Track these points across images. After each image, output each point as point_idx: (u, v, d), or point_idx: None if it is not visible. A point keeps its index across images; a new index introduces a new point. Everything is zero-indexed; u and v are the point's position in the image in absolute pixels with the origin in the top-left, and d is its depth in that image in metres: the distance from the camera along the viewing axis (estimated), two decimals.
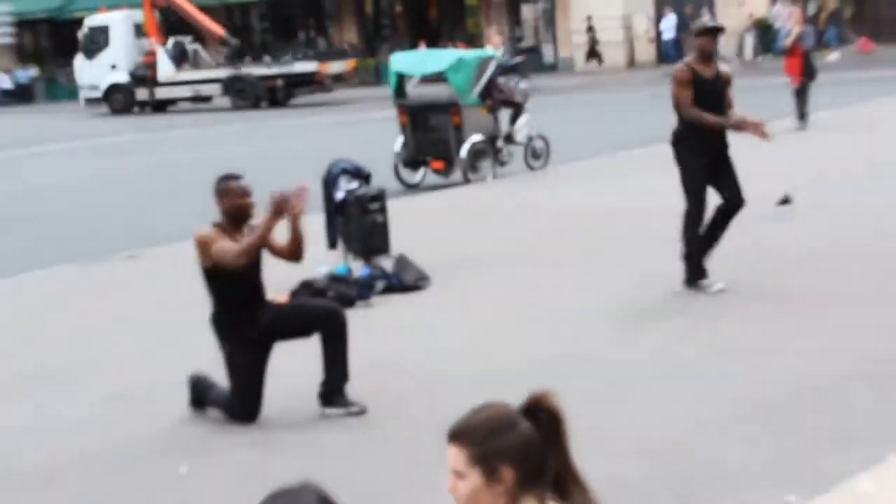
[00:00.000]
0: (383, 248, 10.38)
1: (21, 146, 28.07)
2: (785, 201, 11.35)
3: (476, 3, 43.78)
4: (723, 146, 8.79)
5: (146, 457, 6.31)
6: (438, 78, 16.54)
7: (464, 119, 15.85)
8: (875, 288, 8.66)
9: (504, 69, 21.16)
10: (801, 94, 18.45)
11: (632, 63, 40.42)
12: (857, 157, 15.34)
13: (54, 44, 50.41)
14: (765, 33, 36.54)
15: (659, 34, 39.46)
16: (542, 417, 2.74)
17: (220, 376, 6.75)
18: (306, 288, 9.20)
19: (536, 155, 17.04)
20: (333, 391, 6.64)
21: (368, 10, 47.40)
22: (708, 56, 8.74)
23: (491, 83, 16.22)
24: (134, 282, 11.15)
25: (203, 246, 6.46)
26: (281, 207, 6.30)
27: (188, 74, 37.38)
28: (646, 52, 40.33)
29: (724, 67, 8.94)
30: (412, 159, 16.43)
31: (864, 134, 17.70)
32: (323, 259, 10.15)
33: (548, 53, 42.82)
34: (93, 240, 13.73)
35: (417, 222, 12.43)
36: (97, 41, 38.98)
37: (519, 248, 11.14)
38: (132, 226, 14.79)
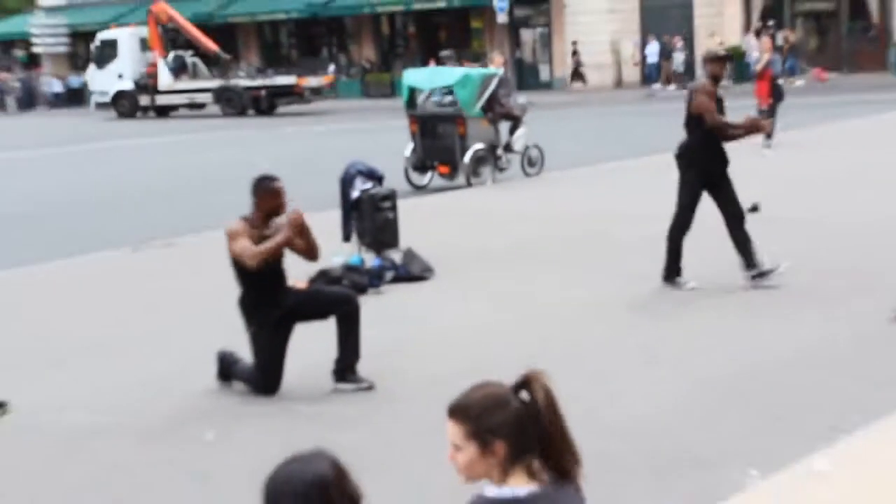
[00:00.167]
0: (393, 242, 10.36)
1: (57, 146, 28.21)
2: (753, 209, 11.30)
3: (481, 26, 43.79)
4: (724, 162, 8.73)
5: (178, 423, 6.29)
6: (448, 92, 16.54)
7: (468, 129, 15.86)
8: (827, 285, 8.65)
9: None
10: (769, 116, 18.37)
11: (619, 83, 40.44)
12: (817, 171, 15.32)
13: None
14: (738, 61, 36.47)
15: (644, 58, 39.47)
16: (533, 393, 2.72)
17: (245, 353, 6.73)
18: (323, 276, 9.17)
19: (532, 163, 17.03)
20: (345, 368, 6.63)
21: (385, 31, 47.49)
22: (718, 79, 8.71)
23: (492, 98, 16.20)
24: (170, 267, 11.12)
25: (230, 239, 6.46)
26: (298, 229, 6.37)
27: (184, 84, 38.35)
28: (632, 74, 40.33)
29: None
30: (421, 164, 16.45)
31: (825, 151, 17.68)
32: (339, 250, 10.14)
33: (544, 73, 42.82)
34: (134, 229, 13.70)
35: (424, 220, 12.41)
36: (107, 53, 39.97)
37: (515, 245, 11.10)
38: (168, 217, 14.78)
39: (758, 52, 23.38)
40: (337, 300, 6.71)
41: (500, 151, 16.49)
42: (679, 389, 6.34)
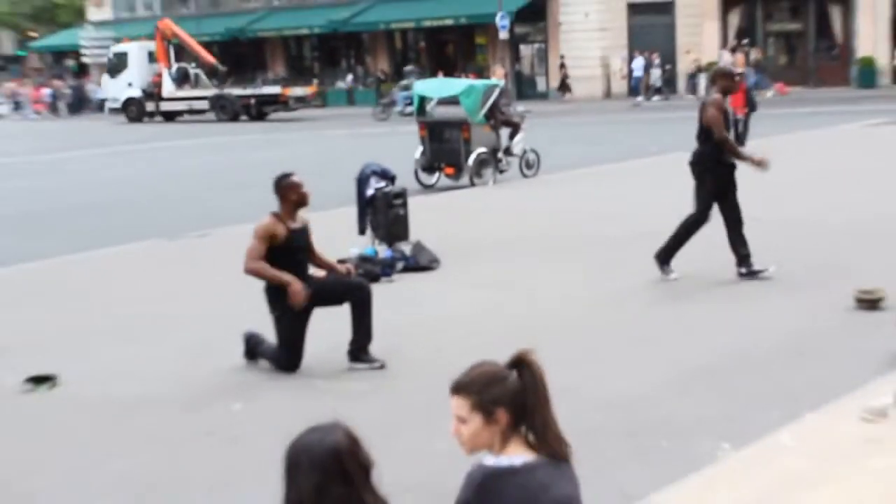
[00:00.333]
0: (403, 235, 10.35)
1: (95, 147, 28.16)
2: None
3: (485, 42, 43.78)
4: (732, 168, 8.65)
5: (208, 396, 6.28)
6: (453, 100, 16.53)
7: (472, 134, 15.84)
8: (801, 278, 8.61)
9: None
10: (743, 124, 18.31)
11: (608, 94, 40.42)
12: (787, 176, 15.22)
13: None
14: None
15: (630, 72, 39.41)
16: (525, 370, 2.75)
17: (269, 334, 6.73)
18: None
19: (529, 165, 17.01)
20: (359, 349, 6.63)
21: (398, 45, 47.52)
22: (727, 93, 8.63)
23: (494, 106, 16.18)
24: (205, 255, 11.12)
25: (252, 235, 6.53)
26: (293, 299, 6.40)
27: (185, 92, 38.98)
28: (619, 86, 40.29)
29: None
30: (429, 165, 16.44)
31: (793, 157, 17.58)
32: (354, 243, 10.14)
33: (541, 84, 42.78)
34: (171, 221, 13.71)
35: (432, 216, 12.40)
36: (119, 64, 40.87)
37: (515, 239, 11.09)
38: (203, 210, 14.78)
39: (732, 66, 23.31)
40: (352, 288, 6.70)
41: (500, 155, 16.48)
42: (658, 369, 6.32)
